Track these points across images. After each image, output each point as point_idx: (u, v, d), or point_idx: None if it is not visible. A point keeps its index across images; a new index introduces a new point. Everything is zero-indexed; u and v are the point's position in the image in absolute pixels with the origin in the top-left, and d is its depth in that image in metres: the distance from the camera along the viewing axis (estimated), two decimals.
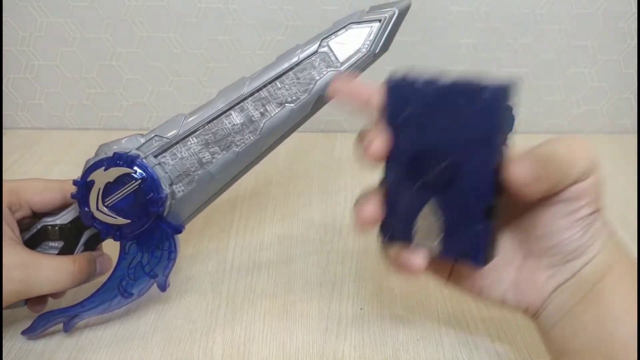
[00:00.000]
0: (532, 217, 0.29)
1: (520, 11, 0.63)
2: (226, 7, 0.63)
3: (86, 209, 0.34)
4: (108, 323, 0.39)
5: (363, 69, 0.36)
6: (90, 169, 0.34)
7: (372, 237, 0.48)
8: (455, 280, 0.32)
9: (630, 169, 0.61)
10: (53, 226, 0.37)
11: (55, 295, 0.38)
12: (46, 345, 0.37)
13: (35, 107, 0.70)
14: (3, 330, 0.38)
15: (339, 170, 0.60)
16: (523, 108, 0.70)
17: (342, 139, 0.69)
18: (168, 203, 0.36)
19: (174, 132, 0.36)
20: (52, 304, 0.38)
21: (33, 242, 0.37)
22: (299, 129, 0.38)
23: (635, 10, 0.63)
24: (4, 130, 0.70)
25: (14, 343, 0.37)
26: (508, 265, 0.30)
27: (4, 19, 0.63)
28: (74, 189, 0.35)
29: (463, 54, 0.66)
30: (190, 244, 0.48)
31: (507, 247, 0.30)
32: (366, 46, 0.35)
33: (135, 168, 0.34)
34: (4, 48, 0.65)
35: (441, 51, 0.66)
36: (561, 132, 0.71)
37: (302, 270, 0.44)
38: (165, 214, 0.36)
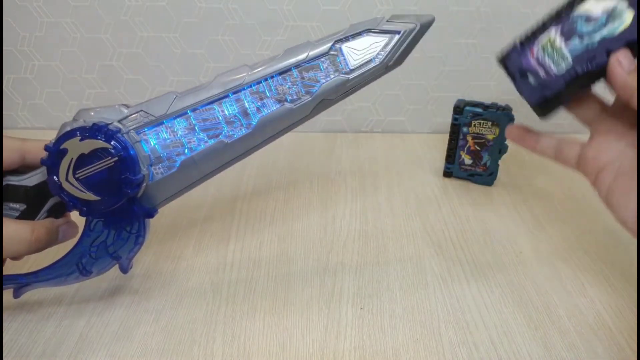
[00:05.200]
0: None
1: (520, 11, 0.63)
2: (226, 7, 0.63)
3: (55, 177, 0.32)
4: (108, 322, 0.39)
5: (372, 80, 0.35)
6: (65, 136, 0.32)
7: (372, 238, 0.49)
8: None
9: None
10: (17, 187, 0.34)
11: (13, 258, 0.36)
12: (46, 345, 0.37)
13: (36, 107, 0.70)
14: (3, 330, 0.38)
15: (339, 170, 0.60)
16: (523, 108, 0.70)
17: (342, 139, 0.69)
18: (144, 185, 0.34)
19: (161, 110, 0.33)
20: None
21: None
22: (298, 129, 0.37)
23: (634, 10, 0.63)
24: (4, 130, 0.70)
25: (14, 344, 0.37)
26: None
27: (4, 19, 0.63)
28: (35, 149, 0.33)
29: (463, 54, 0.66)
30: (191, 243, 0.48)
31: None
32: (380, 57, 0.33)
33: (114, 143, 0.32)
34: (4, 48, 0.65)
35: (441, 51, 0.66)
36: (561, 132, 0.71)
37: (302, 270, 0.44)
38: (138, 196, 0.34)
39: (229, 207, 0.53)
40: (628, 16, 0.34)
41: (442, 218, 0.52)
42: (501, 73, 0.70)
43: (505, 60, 0.40)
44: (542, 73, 0.37)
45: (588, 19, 0.36)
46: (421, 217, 0.52)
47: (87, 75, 0.67)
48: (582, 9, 0.36)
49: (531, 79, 0.38)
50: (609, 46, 0.34)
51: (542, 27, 0.37)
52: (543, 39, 0.38)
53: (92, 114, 0.33)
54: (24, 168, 0.35)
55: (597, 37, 0.35)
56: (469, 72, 0.67)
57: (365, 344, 0.37)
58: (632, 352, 0.36)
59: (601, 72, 0.34)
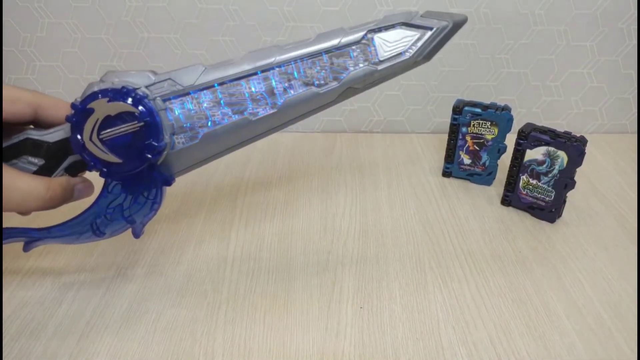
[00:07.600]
0: None
1: (520, 12, 0.63)
2: (227, 7, 0.63)
3: (78, 136, 0.32)
4: (109, 322, 0.39)
5: (398, 74, 0.35)
6: (92, 95, 0.31)
7: (372, 237, 0.49)
8: None
9: (629, 169, 0.62)
10: (38, 142, 0.33)
11: (22, 213, 0.36)
12: (47, 345, 0.37)
13: None
14: (3, 331, 0.38)
15: (339, 170, 0.61)
16: (522, 108, 0.70)
17: (342, 139, 0.69)
18: (165, 152, 0.34)
19: (189, 81, 0.33)
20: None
21: (12, 152, 0.34)
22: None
23: (634, 10, 0.63)
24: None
25: (15, 343, 0.37)
26: None
27: (5, 19, 0.63)
28: (49, 104, 0.33)
29: (463, 54, 0.66)
30: (191, 243, 0.48)
31: None
32: (410, 52, 0.34)
33: (141, 108, 0.32)
34: (5, 48, 0.65)
35: (440, 51, 0.66)
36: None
37: (302, 270, 0.45)
38: (159, 163, 0.34)
39: (229, 206, 0.53)
40: (563, 154, 0.47)
41: (441, 218, 0.52)
42: (500, 73, 0.71)
43: (511, 205, 0.53)
44: (542, 202, 0.51)
45: (538, 163, 0.49)
46: (420, 217, 0.52)
47: (88, 76, 0.67)
48: (528, 157, 0.50)
49: (539, 208, 0.51)
50: (566, 176, 0.48)
51: (514, 178, 0.52)
52: (520, 183, 0.51)
53: (119, 76, 0.33)
54: (36, 123, 0.34)
55: (555, 171, 0.48)
56: (468, 72, 0.67)
57: (365, 343, 0.37)
58: (632, 352, 0.37)
59: (572, 185, 0.49)
